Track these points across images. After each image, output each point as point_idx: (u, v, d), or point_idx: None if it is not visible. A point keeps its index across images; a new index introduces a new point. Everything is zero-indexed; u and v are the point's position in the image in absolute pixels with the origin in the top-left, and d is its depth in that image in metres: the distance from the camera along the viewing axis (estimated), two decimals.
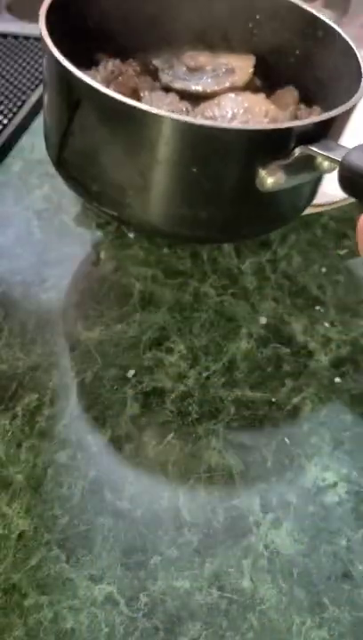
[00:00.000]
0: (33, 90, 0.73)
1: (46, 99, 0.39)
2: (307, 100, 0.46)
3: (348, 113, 0.35)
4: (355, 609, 0.32)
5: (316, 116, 0.39)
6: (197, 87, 0.47)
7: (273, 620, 0.32)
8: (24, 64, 0.79)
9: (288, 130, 0.33)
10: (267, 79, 0.48)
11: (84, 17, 0.44)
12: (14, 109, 0.70)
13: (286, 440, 0.39)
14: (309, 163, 0.34)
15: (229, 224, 0.39)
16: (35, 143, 0.63)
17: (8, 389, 0.42)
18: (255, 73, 0.48)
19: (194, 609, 0.32)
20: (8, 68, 0.78)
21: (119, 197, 0.37)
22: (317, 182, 0.40)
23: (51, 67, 0.36)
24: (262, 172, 0.33)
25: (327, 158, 0.32)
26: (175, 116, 0.33)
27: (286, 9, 0.46)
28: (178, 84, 0.47)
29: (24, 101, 0.71)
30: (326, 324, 0.45)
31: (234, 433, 0.39)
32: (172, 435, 0.39)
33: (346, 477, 0.37)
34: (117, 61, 0.46)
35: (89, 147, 0.37)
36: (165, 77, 0.48)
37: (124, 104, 0.32)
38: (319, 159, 0.33)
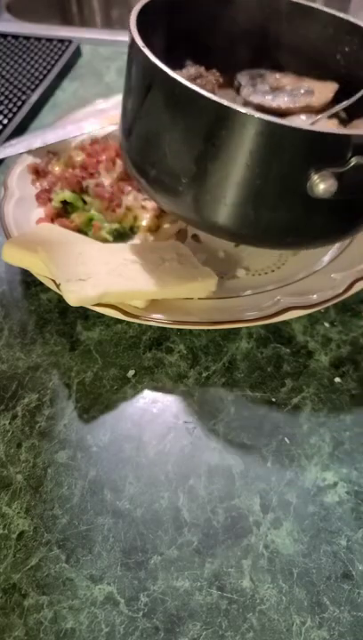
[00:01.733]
0: (33, 90, 0.73)
1: (126, 87, 0.41)
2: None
3: None
4: (355, 609, 0.32)
5: None
6: (272, 103, 0.48)
7: (273, 620, 0.32)
8: (24, 64, 0.79)
9: (346, 137, 0.32)
10: (348, 109, 0.47)
11: (180, 26, 0.46)
12: (14, 109, 0.70)
13: (286, 440, 0.39)
14: None
15: (274, 228, 0.38)
16: None
17: (8, 389, 0.42)
18: (336, 99, 0.48)
19: (194, 609, 0.32)
20: (8, 68, 0.78)
21: (174, 184, 0.37)
22: None
23: (131, 53, 0.39)
24: (315, 177, 0.32)
25: None
26: (233, 105, 0.32)
27: None
28: (256, 99, 0.48)
29: (24, 101, 0.71)
30: (326, 324, 0.45)
31: (234, 433, 0.39)
32: (172, 435, 0.39)
33: (346, 477, 0.37)
34: (202, 68, 0.48)
35: (152, 131, 0.38)
36: (245, 92, 0.49)
37: (188, 89, 0.33)
38: None
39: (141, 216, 0.52)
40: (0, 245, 0.46)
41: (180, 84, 0.33)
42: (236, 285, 0.47)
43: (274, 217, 0.37)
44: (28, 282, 0.49)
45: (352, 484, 0.37)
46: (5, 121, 0.68)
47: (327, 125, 0.46)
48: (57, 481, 0.37)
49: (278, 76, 0.51)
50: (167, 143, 0.37)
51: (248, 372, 0.43)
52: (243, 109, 0.32)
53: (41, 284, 0.47)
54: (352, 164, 0.32)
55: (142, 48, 0.36)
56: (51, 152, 0.58)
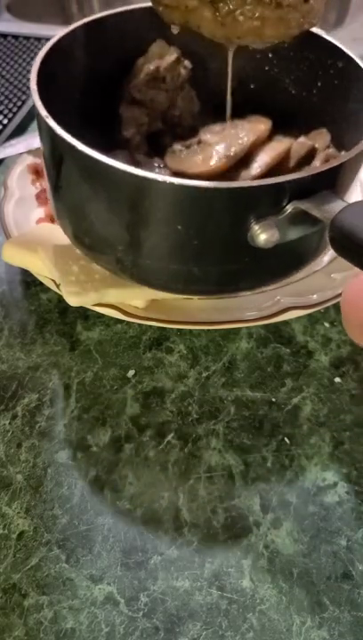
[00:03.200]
0: None
1: (42, 149, 0.39)
2: (341, 144, 0.42)
3: (353, 162, 0.32)
4: (355, 609, 0.32)
5: (309, 169, 0.35)
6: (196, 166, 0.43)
7: (273, 619, 0.32)
8: (24, 64, 0.79)
9: (277, 185, 0.30)
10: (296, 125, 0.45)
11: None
12: (14, 109, 0.70)
13: (286, 440, 0.39)
14: (305, 218, 0.31)
15: (224, 279, 0.37)
16: None
17: (8, 389, 0.42)
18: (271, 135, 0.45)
19: (194, 609, 0.32)
20: (8, 67, 0.78)
21: (110, 252, 0.36)
22: (323, 234, 0.37)
23: (38, 121, 0.35)
24: (255, 228, 0.31)
25: (320, 216, 0.29)
26: (149, 175, 0.30)
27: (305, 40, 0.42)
28: (173, 164, 0.44)
29: (24, 101, 0.71)
30: (326, 324, 0.45)
31: (234, 433, 0.39)
32: (172, 435, 0.39)
33: (346, 477, 0.37)
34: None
35: (76, 201, 0.36)
36: (168, 157, 0.45)
37: (99, 162, 0.31)
38: (314, 214, 0.30)
39: None
40: (0, 245, 0.46)
41: (89, 157, 0.31)
42: None
43: (221, 270, 0.35)
44: (28, 282, 0.49)
45: (352, 484, 0.37)
46: (5, 121, 0.68)
47: (278, 147, 0.43)
48: (57, 481, 0.37)
49: (204, 133, 0.46)
50: (93, 213, 0.35)
51: (248, 371, 0.43)
52: (160, 177, 0.30)
53: (41, 283, 0.47)
54: (289, 210, 0.31)
55: (45, 118, 0.33)
56: None
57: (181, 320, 0.42)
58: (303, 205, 0.30)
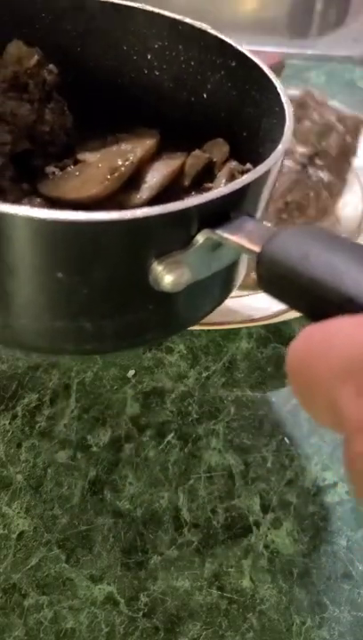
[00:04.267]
0: None
1: None
2: (240, 157, 0.36)
3: (264, 179, 0.26)
4: (355, 609, 0.32)
5: (218, 188, 0.26)
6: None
7: (273, 619, 0.32)
8: None
9: (182, 212, 0.24)
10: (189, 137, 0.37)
11: None
12: None
13: (286, 440, 0.39)
14: (219, 249, 0.25)
15: (125, 333, 0.29)
16: None
17: (8, 389, 0.42)
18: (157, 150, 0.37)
19: (194, 609, 0.32)
20: None
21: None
22: (231, 271, 0.31)
23: None
24: (158, 269, 0.24)
25: (241, 248, 0.23)
26: (9, 208, 0.22)
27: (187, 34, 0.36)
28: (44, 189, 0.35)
29: None
30: None
31: (234, 433, 0.39)
32: (172, 435, 0.39)
33: (346, 477, 0.37)
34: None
35: None
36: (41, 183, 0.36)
37: None
38: (230, 246, 0.24)
39: None
40: None
41: None
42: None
43: (120, 323, 0.28)
44: None
45: None
46: None
47: (171, 163, 0.36)
48: (57, 481, 0.37)
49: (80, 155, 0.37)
50: None
51: (248, 371, 0.43)
52: (23, 211, 0.22)
53: None
54: (200, 242, 0.24)
55: None
56: None
57: None
58: (216, 235, 0.24)
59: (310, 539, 0.34)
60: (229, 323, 0.42)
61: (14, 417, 0.40)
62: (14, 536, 0.35)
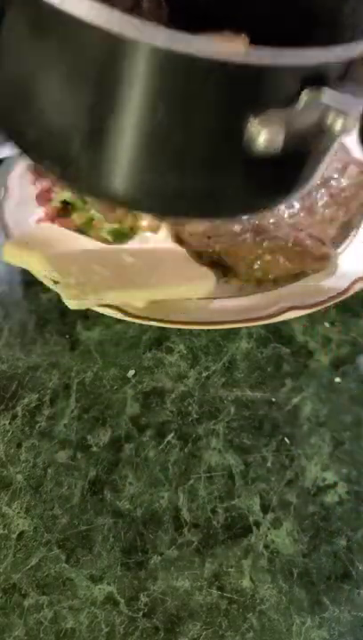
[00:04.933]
0: None
1: None
2: None
3: None
4: (355, 609, 0.32)
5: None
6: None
7: (273, 619, 0.32)
8: None
9: (295, 65, 0.23)
10: None
11: None
12: None
13: (286, 440, 0.39)
14: (321, 116, 0.24)
15: (204, 196, 0.29)
16: None
17: (8, 389, 0.42)
18: None
19: (194, 609, 0.32)
20: None
21: (63, 148, 0.27)
22: (319, 153, 0.29)
23: None
24: (254, 123, 0.23)
25: (342, 113, 0.22)
26: (134, 26, 0.22)
27: None
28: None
29: None
30: (327, 324, 0.45)
31: (234, 433, 0.39)
32: (172, 435, 0.39)
33: (346, 477, 0.37)
34: None
35: (19, 76, 0.27)
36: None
37: (59, 11, 0.22)
38: (332, 113, 0.23)
39: (141, 216, 0.52)
40: (0, 245, 0.46)
41: (44, 3, 0.22)
42: (236, 285, 0.47)
43: (205, 185, 0.28)
44: (28, 282, 0.49)
45: (352, 484, 0.37)
46: None
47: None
48: (57, 481, 0.37)
49: None
50: (43, 91, 0.26)
51: (248, 371, 0.43)
52: (149, 30, 0.21)
53: (41, 283, 0.47)
54: (304, 100, 0.23)
55: None
56: None
57: (181, 320, 0.42)
58: (323, 97, 0.23)
59: (310, 539, 0.34)
60: (229, 323, 0.42)
61: (14, 417, 0.40)
62: (14, 536, 0.35)
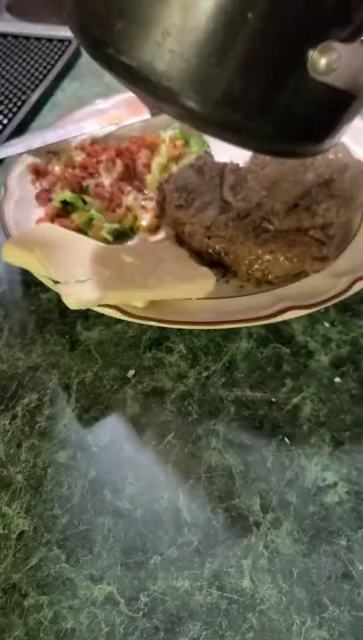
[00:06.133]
0: (33, 90, 0.73)
1: None
2: None
3: None
4: (355, 609, 0.32)
5: None
6: None
7: (273, 620, 0.32)
8: (24, 64, 0.79)
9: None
10: None
11: None
12: (14, 109, 0.70)
13: (286, 440, 0.39)
14: None
15: (260, 109, 0.30)
16: None
17: (8, 389, 0.42)
18: None
19: (194, 609, 0.32)
20: (8, 67, 0.78)
21: (149, 34, 0.28)
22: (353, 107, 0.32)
23: None
24: (318, 49, 0.27)
25: None
26: None
27: None
28: None
29: (24, 101, 0.71)
30: (326, 324, 0.45)
31: (234, 433, 0.39)
32: (172, 435, 0.39)
33: (346, 477, 0.37)
34: None
35: None
36: None
37: None
38: None
39: (141, 216, 0.52)
40: (0, 245, 0.46)
41: None
42: (236, 285, 0.47)
43: (265, 96, 0.29)
44: (28, 282, 0.49)
45: (352, 484, 0.37)
46: (5, 121, 0.68)
47: None
48: (57, 481, 0.37)
49: None
50: None
51: (248, 371, 0.43)
52: None
53: (41, 283, 0.47)
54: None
55: None
56: (51, 152, 0.58)
57: (181, 320, 0.42)
58: None
59: (310, 539, 0.34)
60: (229, 323, 0.42)
61: (14, 417, 0.40)
62: (14, 536, 0.35)
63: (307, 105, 0.30)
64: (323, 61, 0.27)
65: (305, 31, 0.27)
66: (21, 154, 0.57)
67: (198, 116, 0.31)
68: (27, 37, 0.83)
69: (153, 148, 0.57)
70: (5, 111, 0.69)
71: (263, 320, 0.42)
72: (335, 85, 0.28)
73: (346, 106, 0.31)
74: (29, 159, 0.57)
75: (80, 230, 0.51)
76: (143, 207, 0.52)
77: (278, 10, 0.27)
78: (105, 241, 0.50)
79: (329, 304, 0.43)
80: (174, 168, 0.55)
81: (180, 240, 0.50)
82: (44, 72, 0.76)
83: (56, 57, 0.79)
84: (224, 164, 0.52)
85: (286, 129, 0.32)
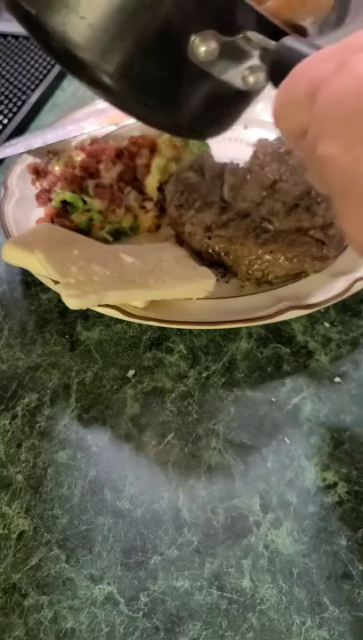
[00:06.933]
0: (33, 90, 0.73)
1: None
2: None
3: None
4: (355, 609, 0.32)
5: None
6: None
7: (273, 620, 0.32)
8: (24, 64, 0.79)
9: (248, 6, 0.29)
10: None
11: None
12: (14, 109, 0.70)
13: (286, 440, 0.39)
14: (245, 53, 0.30)
15: (150, 87, 0.33)
16: None
17: (8, 389, 0.42)
18: None
19: (194, 609, 0.32)
20: (8, 67, 0.78)
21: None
22: (243, 99, 0.35)
23: None
24: (199, 36, 0.30)
25: (260, 47, 0.30)
26: None
27: None
28: None
29: (24, 101, 0.71)
30: (326, 324, 0.45)
31: (234, 433, 0.39)
32: (172, 435, 0.39)
33: (346, 477, 0.37)
34: None
35: None
36: None
37: None
38: (256, 64, 0.30)
39: (141, 216, 0.52)
40: (0, 245, 0.46)
41: None
42: (236, 285, 0.47)
43: (153, 76, 0.32)
44: (28, 282, 0.49)
45: (352, 484, 0.37)
46: (5, 121, 0.68)
47: None
48: (57, 481, 0.37)
49: None
50: None
51: (248, 371, 0.43)
52: None
53: (41, 283, 0.47)
54: (240, 36, 0.30)
55: None
56: (51, 152, 0.58)
57: (181, 320, 0.42)
58: (256, 38, 0.30)
59: (310, 539, 0.34)
60: (229, 322, 0.42)
61: (14, 417, 0.40)
62: (14, 536, 0.35)
63: (194, 91, 0.33)
64: (202, 49, 0.29)
65: (190, 16, 0.30)
66: (21, 154, 0.57)
67: (103, 87, 0.34)
68: (27, 37, 0.83)
69: (153, 148, 0.57)
70: (5, 111, 0.69)
71: (263, 320, 0.42)
72: (216, 75, 0.31)
73: (231, 97, 0.34)
74: (29, 159, 0.57)
75: (80, 230, 0.51)
76: (143, 207, 0.52)
77: None
78: (105, 241, 0.50)
79: (329, 304, 0.43)
80: (174, 168, 0.55)
81: (180, 240, 0.50)
82: (44, 72, 0.76)
83: None
84: (224, 165, 0.52)
85: (173, 109, 0.34)
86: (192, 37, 0.30)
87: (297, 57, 0.27)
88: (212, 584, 0.33)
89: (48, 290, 0.48)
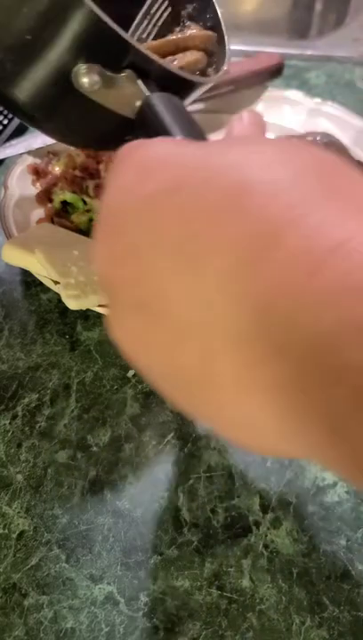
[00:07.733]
0: None
1: None
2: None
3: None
4: (355, 609, 0.32)
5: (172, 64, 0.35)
6: None
7: (273, 619, 0.32)
8: None
9: (124, 43, 0.30)
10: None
11: None
12: None
13: None
14: (132, 94, 0.31)
15: (34, 100, 0.34)
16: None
17: (8, 389, 0.42)
18: None
19: (194, 609, 0.32)
20: None
21: None
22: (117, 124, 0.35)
23: None
24: (83, 67, 0.30)
25: (139, 91, 0.31)
26: None
27: None
28: None
29: None
30: None
31: None
32: (172, 435, 0.39)
33: None
34: None
35: None
36: None
37: None
38: (136, 94, 0.31)
39: None
40: (0, 245, 0.46)
41: None
42: None
43: (31, 83, 0.33)
44: (28, 282, 0.49)
45: (352, 484, 0.37)
46: (5, 121, 0.68)
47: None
48: (57, 481, 0.37)
49: None
50: None
51: None
52: None
53: (41, 283, 0.47)
54: (124, 74, 0.31)
55: None
56: (51, 152, 0.58)
57: None
58: (140, 82, 0.31)
59: (309, 539, 0.34)
60: None
61: (14, 417, 0.40)
62: (14, 536, 0.35)
63: (73, 110, 0.34)
64: (85, 79, 0.31)
65: (73, 50, 0.30)
66: (21, 154, 0.57)
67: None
68: None
69: None
70: (5, 111, 0.69)
71: None
72: (100, 102, 0.32)
73: (118, 122, 0.34)
74: (29, 159, 0.57)
75: (80, 230, 0.51)
76: None
77: (53, 25, 0.30)
78: None
79: None
80: None
81: None
82: None
83: None
84: None
85: (64, 128, 0.37)
86: (75, 68, 0.31)
87: (152, 118, 0.29)
88: (211, 584, 0.33)
89: (48, 290, 0.48)
